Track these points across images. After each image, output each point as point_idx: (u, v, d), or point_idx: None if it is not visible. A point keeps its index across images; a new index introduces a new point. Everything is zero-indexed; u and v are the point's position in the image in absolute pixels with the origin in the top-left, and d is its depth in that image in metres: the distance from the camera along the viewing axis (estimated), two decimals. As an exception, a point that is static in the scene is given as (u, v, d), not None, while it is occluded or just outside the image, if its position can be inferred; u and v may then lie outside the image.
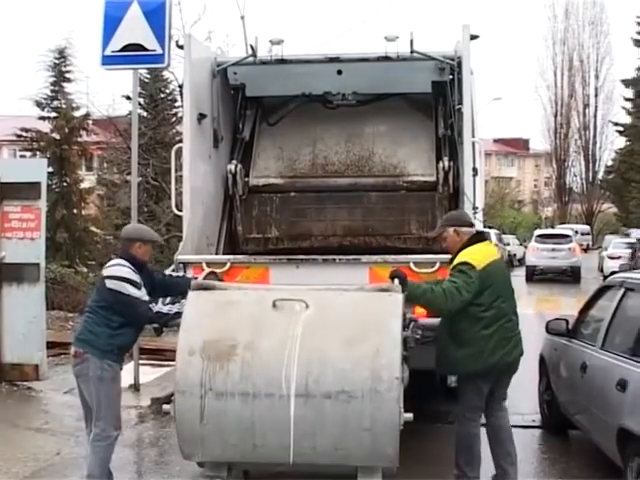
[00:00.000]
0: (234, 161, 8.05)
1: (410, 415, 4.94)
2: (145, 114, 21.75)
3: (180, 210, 7.35)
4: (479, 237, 5.85)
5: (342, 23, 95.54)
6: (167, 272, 6.23)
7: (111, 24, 8.46)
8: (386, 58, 7.67)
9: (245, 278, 6.59)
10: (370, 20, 76.61)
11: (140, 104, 20.62)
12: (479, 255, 5.63)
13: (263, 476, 5.89)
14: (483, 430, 5.87)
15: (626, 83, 47.57)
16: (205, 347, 5.06)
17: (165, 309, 5.44)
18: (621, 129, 49.20)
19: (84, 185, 22.27)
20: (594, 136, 58.91)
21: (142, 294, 5.36)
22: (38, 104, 21.59)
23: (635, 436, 5.02)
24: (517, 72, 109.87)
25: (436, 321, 6.01)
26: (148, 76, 21.96)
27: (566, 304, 18.29)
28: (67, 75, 21.81)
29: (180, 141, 7.55)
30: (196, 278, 5.88)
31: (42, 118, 21.70)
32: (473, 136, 7.20)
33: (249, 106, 8.53)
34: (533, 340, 6.37)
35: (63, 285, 16.00)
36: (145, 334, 6.73)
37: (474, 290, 5.49)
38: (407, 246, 7.74)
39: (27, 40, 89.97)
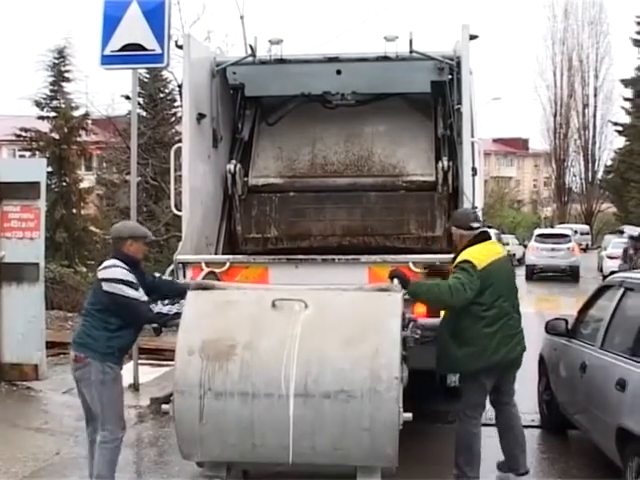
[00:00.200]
0: (233, 161, 8.04)
1: (409, 415, 4.94)
2: (144, 114, 21.74)
3: (179, 210, 7.35)
4: (483, 236, 5.89)
5: (341, 23, 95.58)
6: (156, 275, 6.15)
7: (110, 24, 8.46)
8: (385, 58, 7.66)
9: (244, 278, 6.59)
10: (369, 20, 76.85)
11: (139, 104, 20.62)
12: (480, 254, 5.69)
13: (262, 476, 5.89)
14: (485, 430, 5.91)
15: (625, 83, 47.60)
16: (204, 347, 5.06)
17: (165, 309, 5.44)
18: (620, 129, 49.23)
19: (83, 185, 22.29)
20: (593, 136, 58.95)
21: (140, 294, 5.33)
22: (37, 104, 21.61)
23: (634, 436, 5.02)
24: (516, 72, 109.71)
25: (435, 321, 6.04)
26: (147, 76, 21.95)
27: (565, 304, 18.31)
28: (66, 75, 21.83)
29: (179, 141, 7.55)
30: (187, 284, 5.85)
31: (41, 118, 21.71)
32: (472, 136, 7.19)
33: (248, 106, 8.52)
34: (532, 340, 6.38)
35: (62, 285, 15.99)
36: (144, 334, 6.73)
37: (476, 288, 5.55)
38: (406, 246, 7.74)
39: (26, 40, 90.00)
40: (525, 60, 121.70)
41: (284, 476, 5.39)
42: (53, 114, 21.43)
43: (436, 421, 7.49)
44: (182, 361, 5.10)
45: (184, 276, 6.71)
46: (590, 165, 59.63)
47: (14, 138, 23.01)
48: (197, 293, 5.48)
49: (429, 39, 8.39)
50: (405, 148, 8.20)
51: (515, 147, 74.03)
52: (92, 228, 21.54)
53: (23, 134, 21.71)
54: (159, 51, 8.45)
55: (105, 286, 5.30)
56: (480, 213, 7.44)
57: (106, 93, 55.02)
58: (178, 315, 5.34)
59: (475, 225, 5.90)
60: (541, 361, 7.76)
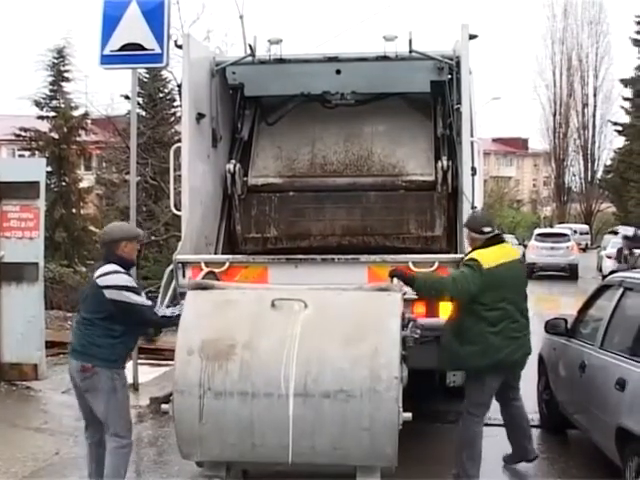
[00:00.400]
0: (233, 161, 8.04)
1: (409, 414, 4.94)
2: (144, 113, 21.75)
3: (179, 210, 7.34)
4: (495, 239, 6.03)
5: (341, 23, 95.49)
6: None
7: (110, 23, 8.45)
8: (385, 58, 7.66)
9: (244, 278, 6.59)
10: (369, 20, 76.50)
11: (139, 103, 20.63)
12: (488, 256, 5.82)
13: (262, 476, 5.89)
14: (486, 430, 5.97)
15: (625, 82, 47.56)
16: (204, 347, 5.06)
17: (168, 312, 5.41)
18: (620, 128, 49.19)
19: (83, 184, 22.33)
20: (593, 135, 58.93)
21: (143, 299, 5.29)
22: (37, 103, 21.64)
23: (634, 435, 5.02)
24: (516, 72, 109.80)
25: (435, 321, 6.08)
26: (147, 75, 21.96)
27: (565, 303, 18.32)
28: (66, 74, 21.87)
29: (179, 141, 7.55)
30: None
31: (41, 117, 21.74)
32: (472, 135, 7.19)
33: (248, 106, 8.52)
34: (532, 339, 6.41)
35: (62, 284, 16.00)
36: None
37: (478, 284, 5.66)
38: (406, 245, 7.74)
39: (26, 40, 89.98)
40: (524, 60, 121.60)
41: (284, 476, 5.39)
42: (53, 114, 21.46)
43: (436, 421, 7.49)
44: (182, 361, 5.09)
45: (183, 276, 6.71)
46: (589, 165, 59.63)
47: (14, 138, 23.06)
48: (196, 293, 5.48)
49: (428, 39, 8.40)
50: (405, 148, 8.20)
51: (514, 147, 74.01)
52: (91, 228, 21.57)
53: (23, 134, 21.74)
54: (158, 51, 8.45)
55: (108, 293, 5.16)
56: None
57: (105, 93, 55.07)
58: (179, 317, 5.33)
59: (486, 230, 6.02)
60: (540, 361, 7.76)
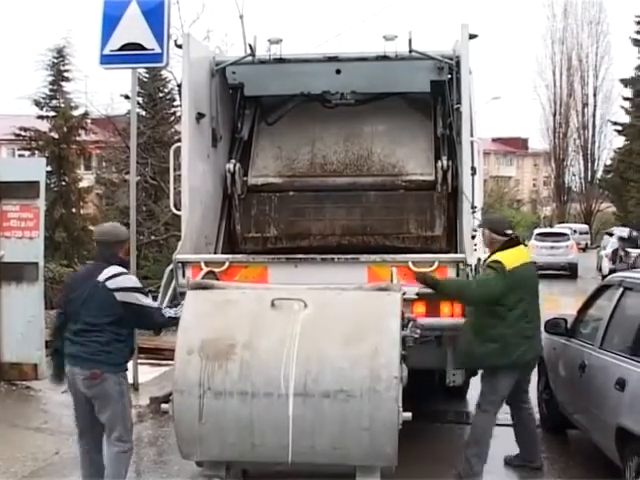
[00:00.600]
0: (233, 160, 8.03)
1: (409, 414, 4.95)
2: (144, 113, 21.72)
3: (179, 209, 7.34)
4: (514, 242, 6.23)
5: (341, 22, 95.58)
6: None
7: (110, 23, 8.46)
8: (385, 57, 7.66)
9: (244, 277, 6.58)
10: (369, 19, 76.61)
11: (139, 103, 20.60)
12: (510, 257, 6.02)
13: (262, 475, 5.90)
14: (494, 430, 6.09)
15: (625, 82, 47.52)
16: (204, 346, 5.06)
17: (172, 312, 5.44)
18: (620, 128, 49.14)
19: (83, 184, 22.31)
20: (593, 135, 58.85)
21: (150, 300, 5.33)
22: (37, 103, 21.61)
23: (634, 435, 5.03)
24: (516, 71, 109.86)
25: (435, 321, 6.13)
26: (147, 75, 21.92)
27: (565, 303, 18.29)
28: (66, 74, 21.85)
29: (179, 140, 7.54)
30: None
31: (41, 117, 21.72)
32: (472, 135, 7.19)
33: (248, 105, 8.51)
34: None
35: (62, 284, 15.96)
36: (143, 332, 6.73)
37: (502, 286, 5.86)
38: (406, 245, 7.73)
39: (26, 39, 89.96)
40: (524, 59, 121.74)
41: (283, 475, 5.39)
42: (52, 113, 21.44)
43: (435, 421, 7.50)
44: (181, 360, 5.10)
45: (183, 275, 6.71)
46: (589, 164, 59.55)
47: (13, 137, 23.04)
48: (196, 293, 5.48)
49: (428, 38, 8.38)
50: (404, 147, 8.19)
51: (514, 146, 73.98)
52: (91, 227, 21.48)
53: (22, 133, 21.71)
54: (158, 50, 8.45)
55: (119, 296, 5.13)
56: (479, 213, 7.47)
57: (105, 92, 54.82)
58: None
59: (509, 232, 6.30)
60: (540, 360, 7.74)
